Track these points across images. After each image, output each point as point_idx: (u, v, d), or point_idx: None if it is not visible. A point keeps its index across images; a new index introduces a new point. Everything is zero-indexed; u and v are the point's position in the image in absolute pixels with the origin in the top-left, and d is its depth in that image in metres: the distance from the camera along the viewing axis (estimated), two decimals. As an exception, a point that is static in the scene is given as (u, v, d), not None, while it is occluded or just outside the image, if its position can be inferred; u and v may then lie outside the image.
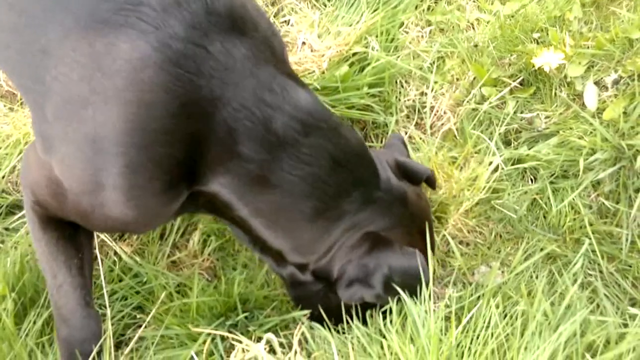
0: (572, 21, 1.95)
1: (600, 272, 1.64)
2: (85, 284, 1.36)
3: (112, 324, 1.50)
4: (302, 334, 1.40)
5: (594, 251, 1.64)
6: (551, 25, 1.95)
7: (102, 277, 1.53)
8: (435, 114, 1.96)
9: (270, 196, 1.26)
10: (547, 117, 1.86)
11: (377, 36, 2.01)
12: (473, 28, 2.11)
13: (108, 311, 1.47)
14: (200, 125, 1.17)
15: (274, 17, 2.13)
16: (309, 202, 1.27)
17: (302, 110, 1.25)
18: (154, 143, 1.14)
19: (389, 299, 1.31)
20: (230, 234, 1.72)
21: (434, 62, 2.02)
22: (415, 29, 2.11)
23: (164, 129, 1.14)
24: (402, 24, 2.11)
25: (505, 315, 1.35)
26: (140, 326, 1.53)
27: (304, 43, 2.03)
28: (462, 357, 1.26)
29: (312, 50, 2.00)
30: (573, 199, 1.71)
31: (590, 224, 1.67)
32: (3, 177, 1.78)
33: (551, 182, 1.76)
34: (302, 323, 1.44)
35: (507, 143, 1.88)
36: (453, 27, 2.11)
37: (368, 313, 1.38)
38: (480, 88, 1.92)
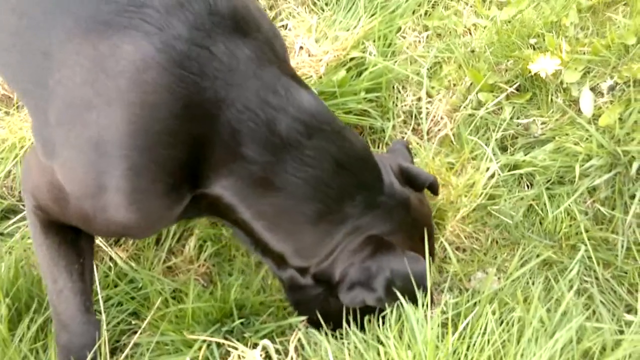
0: (568, 27, 1.96)
1: (596, 278, 1.65)
2: (86, 290, 1.36)
3: (107, 330, 1.49)
4: (299, 340, 1.40)
5: (589, 257, 1.64)
6: (548, 30, 1.96)
7: (97, 282, 1.52)
8: (432, 120, 1.97)
9: (273, 199, 1.26)
10: (543, 123, 1.87)
11: (374, 41, 2.02)
12: (470, 33, 2.12)
13: (103, 317, 1.46)
14: (204, 127, 1.17)
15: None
16: (312, 205, 1.27)
17: (305, 112, 1.25)
18: (157, 145, 1.13)
19: (390, 302, 1.30)
20: (227, 239, 1.72)
21: (431, 68, 2.03)
22: (412, 34, 2.12)
23: (167, 131, 1.13)
24: (400, 29, 2.11)
25: (502, 322, 1.35)
26: (136, 332, 1.52)
27: (301, 48, 2.03)
28: (458, 364, 1.26)
29: (309, 55, 2.00)
30: (569, 205, 1.72)
31: (586, 230, 1.68)
32: (-2, 181, 1.78)
33: (547, 188, 1.77)
34: (299, 329, 1.43)
35: (504, 149, 1.89)
36: (450, 32, 2.11)
37: (365, 319, 1.38)
38: (476, 94, 1.92)
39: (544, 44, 1.93)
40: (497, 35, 2.01)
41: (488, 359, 1.27)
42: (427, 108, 1.97)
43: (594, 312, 1.54)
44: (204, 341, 1.43)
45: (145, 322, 1.50)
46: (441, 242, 1.69)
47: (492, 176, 1.76)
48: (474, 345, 1.28)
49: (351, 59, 2.00)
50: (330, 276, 1.33)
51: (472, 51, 2.04)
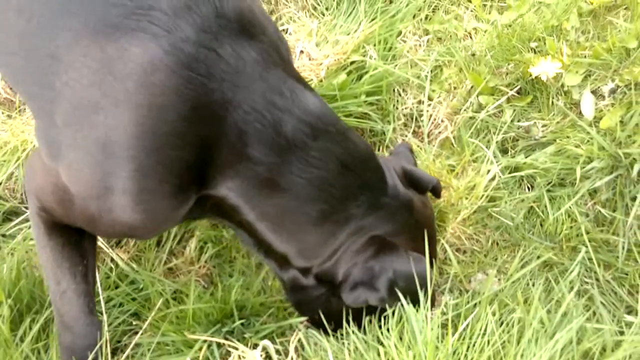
0: (569, 30, 1.96)
1: (597, 279, 1.64)
2: (89, 291, 1.36)
3: (109, 331, 1.49)
4: (299, 340, 1.40)
5: (590, 259, 1.64)
6: (548, 34, 1.96)
7: (98, 283, 1.53)
8: (432, 122, 1.97)
9: (278, 200, 1.26)
10: (544, 126, 1.87)
11: (375, 45, 2.02)
12: (470, 37, 2.12)
13: (104, 318, 1.47)
14: (211, 129, 1.17)
15: (273, 25, 2.14)
16: (316, 206, 1.28)
17: (311, 114, 1.26)
18: (164, 146, 1.14)
19: (393, 303, 1.31)
20: (227, 241, 1.72)
21: (431, 71, 2.03)
22: (412, 37, 2.13)
23: (175, 132, 1.14)
24: (400, 33, 2.12)
25: (502, 323, 1.35)
26: (137, 333, 1.52)
27: (302, 52, 2.04)
28: (458, 364, 1.25)
29: (310, 59, 2.01)
30: (570, 207, 1.72)
31: (587, 232, 1.68)
32: (0, 183, 1.79)
33: (548, 190, 1.77)
34: (299, 330, 1.44)
35: (504, 151, 1.89)
36: (450, 36, 2.12)
37: (366, 319, 1.38)
38: (477, 96, 1.93)
39: (545, 47, 1.94)
40: (498, 39, 2.01)
41: (488, 359, 1.27)
42: (427, 111, 1.97)
43: (594, 313, 1.54)
44: (205, 341, 1.43)
45: (147, 322, 1.51)
46: (442, 243, 1.69)
47: (493, 178, 1.76)
48: (474, 346, 1.28)
49: (352, 63, 2.00)
50: (333, 276, 1.34)
51: (473, 55, 2.04)
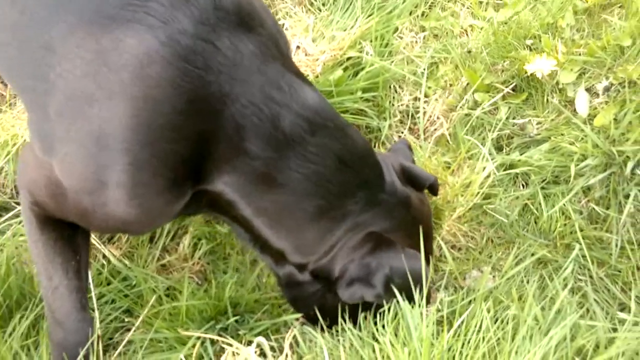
0: (564, 28, 1.96)
1: (590, 277, 1.65)
2: (81, 287, 1.34)
3: (100, 328, 1.48)
4: (294, 337, 1.39)
5: (584, 256, 1.65)
6: (544, 32, 1.96)
7: (90, 280, 1.51)
8: (428, 119, 1.97)
9: (275, 195, 1.25)
10: (539, 123, 1.87)
11: (371, 41, 2.02)
12: (467, 34, 2.12)
13: (96, 314, 1.46)
14: (208, 122, 1.16)
15: (268, 20, 2.13)
16: (313, 202, 1.27)
17: (309, 108, 1.25)
18: (160, 140, 1.13)
19: (389, 299, 1.30)
20: (221, 237, 1.71)
21: (427, 68, 2.03)
22: (409, 34, 2.12)
23: (170, 125, 1.12)
24: (397, 29, 2.11)
25: (496, 320, 1.35)
26: (129, 330, 1.51)
27: (298, 47, 2.03)
28: (453, 361, 1.25)
29: (306, 55, 2.00)
30: (564, 205, 1.72)
31: (581, 230, 1.68)
32: (-9, 178, 1.77)
33: (542, 188, 1.77)
34: (294, 327, 1.43)
35: (499, 148, 1.89)
36: (447, 33, 2.11)
37: (361, 316, 1.38)
38: (473, 94, 1.93)
39: (540, 45, 1.94)
40: (494, 36, 2.01)
41: (483, 356, 1.27)
42: (423, 108, 1.97)
43: (587, 310, 1.54)
44: (198, 338, 1.42)
45: (139, 319, 1.49)
46: (437, 240, 1.69)
47: (488, 176, 1.76)
48: (469, 342, 1.28)
49: (348, 59, 2.00)
50: (330, 272, 1.33)
51: (469, 52, 2.04)
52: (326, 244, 1.31)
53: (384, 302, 1.31)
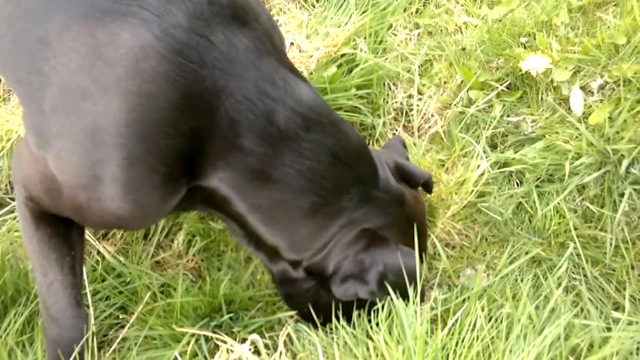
0: (559, 26, 1.97)
1: (585, 276, 1.65)
2: (76, 284, 1.34)
3: (95, 324, 1.47)
4: (288, 335, 1.39)
5: (578, 255, 1.65)
6: (538, 30, 1.96)
7: (84, 276, 1.51)
8: (422, 117, 1.97)
9: (269, 192, 1.25)
10: (533, 121, 1.87)
11: (365, 38, 2.01)
12: (461, 32, 2.12)
13: (91, 311, 1.45)
14: (203, 117, 1.15)
15: (263, 17, 2.12)
16: (308, 198, 1.26)
17: (304, 104, 1.24)
18: (154, 135, 1.12)
19: (383, 296, 1.30)
20: (216, 234, 1.71)
21: (421, 65, 2.03)
22: (403, 31, 2.12)
23: (165, 121, 1.12)
24: (391, 26, 2.11)
25: (491, 318, 1.35)
26: (124, 326, 1.51)
27: (292, 43, 2.02)
28: (447, 359, 1.25)
29: (300, 51, 2.00)
30: (558, 203, 1.72)
31: (575, 228, 1.68)
32: (-16, 174, 1.76)
33: (537, 186, 1.77)
34: (288, 324, 1.43)
35: (494, 146, 1.89)
36: (441, 30, 2.11)
37: (355, 313, 1.38)
38: (467, 91, 1.93)
39: (535, 42, 1.94)
40: (488, 34, 2.01)
41: (477, 354, 1.27)
42: (417, 105, 1.97)
43: (582, 309, 1.55)
44: (193, 335, 1.42)
45: (134, 316, 1.49)
46: (431, 238, 1.69)
47: (483, 173, 1.76)
48: (463, 341, 1.28)
49: (342, 56, 1.99)
50: (324, 269, 1.33)
51: (463, 49, 2.04)
52: (320, 240, 1.31)
53: (378, 299, 1.31)
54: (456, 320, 1.31)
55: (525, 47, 1.96)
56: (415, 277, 1.29)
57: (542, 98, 1.89)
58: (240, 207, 1.28)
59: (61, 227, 1.32)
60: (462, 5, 2.17)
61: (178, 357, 1.37)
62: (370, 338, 1.30)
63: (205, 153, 1.19)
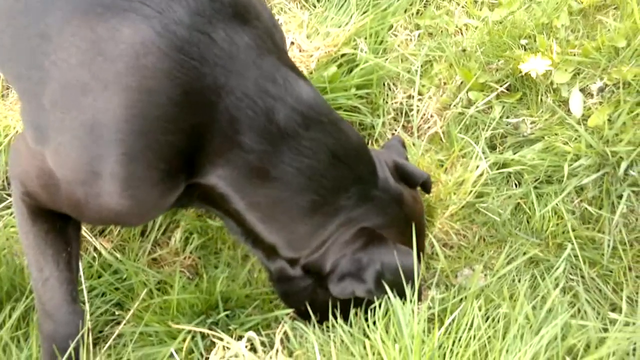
0: (559, 29, 1.97)
1: (582, 277, 1.65)
2: (72, 279, 1.33)
3: (91, 320, 1.47)
4: (284, 332, 1.39)
5: (576, 256, 1.65)
6: (539, 32, 1.96)
7: (81, 272, 1.50)
8: (422, 117, 1.97)
9: (268, 190, 1.25)
10: (532, 123, 1.87)
11: (366, 38, 2.01)
12: (461, 33, 2.12)
13: (87, 307, 1.45)
14: (203, 114, 1.15)
15: (263, 16, 2.12)
16: (306, 196, 1.26)
17: (304, 103, 1.24)
18: (154, 131, 1.12)
19: (380, 295, 1.30)
20: (213, 232, 1.71)
21: (422, 66, 2.03)
22: (404, 32, 2.12)
23: (165, 117, 1.11)
24: (391, 26, 2.11)
25: (488, 318, 1.35)
26: (119, 323, 1.50)
27: (292, 43, 2.02)
28: (444, 358, 1.25)
29: (300, 51, 2.00)
30: (556, 204, 1.72)
31: (573, 229, 1.68)
32: (-18, 169, 1.75)
33: (535, 187, 1.77)
34: (285, 322, 1.43)
35: (493, 147, 1.89)
36: (441, 31, 2.11)
37: (352, 312, 1.37)
38: (467, 92, 1.93)
39: (535, 44, 1.94)
40: (489, 36, 2.01)
41: (473, 354, 1.27)
42: (417, 106, 1.97)
43: (579, 310, 1.54)
44: (189, 332, 1.42)
45: (130, 313, 1.49)
46: (429, 238, 1.69)
47: (481, 174, 1.76)
48: (460, 340, 1.28)
49: (342, 56, 1.99)
50: (321, 267, 1.33)
51: (463, 50, 2.04)
52: (318, 238, 1.31)
53: (375, 297, 1.30)
54: (453, 320, 1.31)
55: (525, 49, 1.96)
56: (412, 276, 1.29)
57: (541, 100, 1.89)
58: (238, 205, 1.28)
59: (58, 223, 1.32)
60: (462, 7, 2.17)
61: (174, 353, 1.36)
62: (367, 336, 1.30)
63: (204, 150, 1.19)
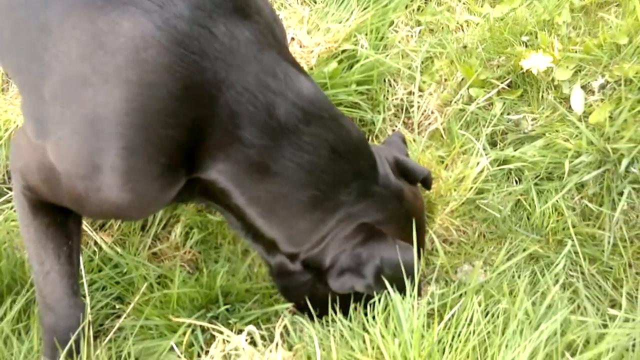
0: (561, 25, 1.97)
1: (582, 273, 1.65)
2: (73, 273, 1.33)
3: (91, 314, 1.47)
4: (284, 326, 1.39)
5: (576, 253, 1.65)
6: (540, 29, 1.96)
7: (81, 266, 1.51)
8: (422, 114, 1.97)
9: (268, 185, 1.25)
10: (533, 119, 1.87)
11: (366, 34, 2.01)
12: (462, 29, 2.12)
13: (87, 301, 1.45)
14: (203, 108, 1.15)
15: (264, 11, 2.12)
16: (307, 192, 1.26)
17: (304, 98, 1.24)
18: (154, 125, 1.12)
19: (379, 290, 1.30)
20: (213, 227, 1.71)
21: (422, 62, 2.03)
22: (404, 28, 2.12)
23: (165, 111, 1.11)
24: (392, 22, 2.11)
25: (487, 313, 1.35)
26: (120, 316, 1.50)
27: (293, 39, 2.02)
28: (443, 353, 1.25)
29: (301, 46, 2.00)
30: (557, 201, 1.72)
31: (573, 226, 1.68)
32: (-18, 163, 1.76)
33: (536, 184, 1.77)
34: (284, 316, 1.43)
35: (493, 144, 1.89)
36: (442, 27, 2.11)
37: (352, 307, 1.38)
38: (468, 89, 1.93)
39: (536, 41, 1.94)
40: (490, 32, 2.01)
41: (472, 349, 1.27)
42: (418, 102, 1.97)
43: (578, 306, 1.55)
44: (189, 326, 1.42)
45: (130, 306, 1.49)
46: (430, 234, 1.69)
47: (482, 171, 1.76)
48: (459, 335, 1.28)
49: (343, 51, 2.00)
50: (321, 262, 1.33)
51: (464, 47, 2.04)
52: (318, 234, 1.31)
53: (374, 292, 1.31)
54: (453, 315, 1.31)
55: (526, 46, 1.96)
56: (412, 272, 1.29)
57: (542, 96, 1.89)
58: (238, 200, 1.28)
59: (58, 217, 1.32)
60: (463, 4, 2.17)
61: (174, 347, 1.37)
62: (367, 331, 1.30)
63: (205, 144, 1.19)
